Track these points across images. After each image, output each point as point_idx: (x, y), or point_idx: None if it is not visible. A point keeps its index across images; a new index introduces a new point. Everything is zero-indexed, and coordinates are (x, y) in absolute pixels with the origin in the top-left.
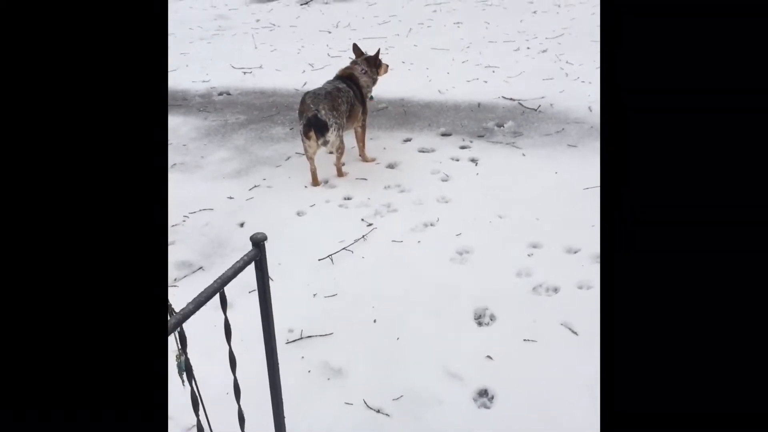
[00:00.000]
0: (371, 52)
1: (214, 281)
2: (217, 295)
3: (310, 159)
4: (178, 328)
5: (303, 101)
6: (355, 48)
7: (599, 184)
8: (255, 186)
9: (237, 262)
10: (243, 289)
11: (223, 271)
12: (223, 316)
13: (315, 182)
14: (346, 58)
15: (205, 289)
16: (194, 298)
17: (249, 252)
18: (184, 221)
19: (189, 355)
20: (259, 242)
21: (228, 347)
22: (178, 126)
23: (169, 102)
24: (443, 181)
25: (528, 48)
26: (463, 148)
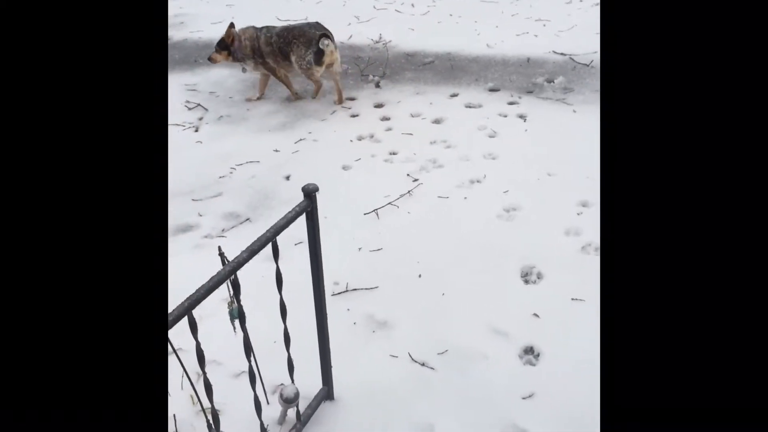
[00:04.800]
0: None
1: (267, 230)
2: (268, 246)
3: (318, 82)
4: (232, 276)
5: (303, 33)
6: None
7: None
8: (300, 139)
9: (289, 212)
10: (289, 241)
11: (272, 222)
12: (275, 266)
13: (341, 99)
14: (393, 11)
15: (258, 238)
16: (248, 247)
17: (301, 203)
18: (231, 173)
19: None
20: (310, 193)
21: (279, 295)
22: (225, 78)
23: None
24: (490, 137)
25: (581, 0)
26: (511, 104)
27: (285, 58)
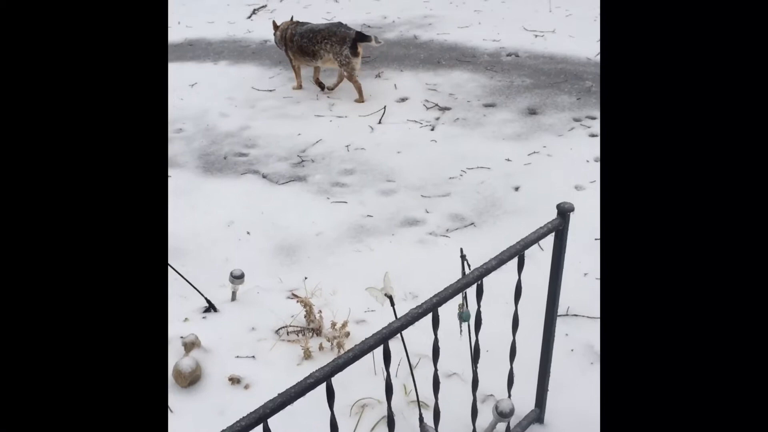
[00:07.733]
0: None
1: (517, 243)
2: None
3: (358, 82)
4: (478, 281)
5: (335, 33)
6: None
7: None
8: (534, 152)
9: (540, 227)
10: None
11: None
12: (517, 277)
13: (362, 98)
14: None
15: (507, 249)
16: (496, 256)
17: (553, 220)
18: (461, 175)
19: (456, 311)
20: (565, 212)
21: (514, 307)
22: (465, 82)
23: (458, 58)
24: None
25: None
26: None
27: (307, 54)
